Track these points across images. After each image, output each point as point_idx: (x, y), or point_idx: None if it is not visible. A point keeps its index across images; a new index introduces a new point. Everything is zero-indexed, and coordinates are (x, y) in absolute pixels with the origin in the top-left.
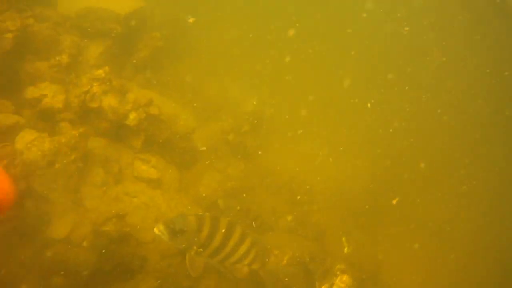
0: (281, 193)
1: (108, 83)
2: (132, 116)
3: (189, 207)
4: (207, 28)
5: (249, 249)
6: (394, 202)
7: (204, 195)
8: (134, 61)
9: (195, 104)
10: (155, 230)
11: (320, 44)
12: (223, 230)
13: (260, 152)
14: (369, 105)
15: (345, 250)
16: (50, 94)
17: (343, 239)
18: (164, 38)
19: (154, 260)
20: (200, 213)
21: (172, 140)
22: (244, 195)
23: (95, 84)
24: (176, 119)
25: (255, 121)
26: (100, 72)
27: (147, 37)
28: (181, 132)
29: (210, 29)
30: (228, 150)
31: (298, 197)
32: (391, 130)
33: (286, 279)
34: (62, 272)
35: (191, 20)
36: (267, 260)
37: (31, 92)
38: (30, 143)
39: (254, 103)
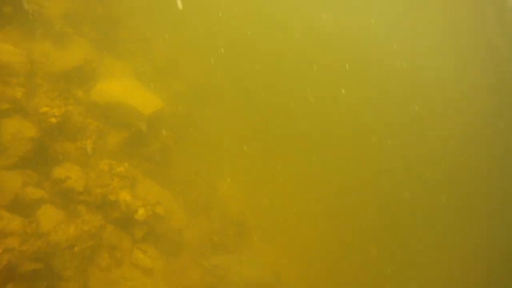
0: None
1: (126, 179)
2: (141, 212)
3: None
4: (213, 123)
5: None
6: None
7: (185, 285)
8: (144, 152)
9: (188, 197)
10: None
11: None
12: None
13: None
14: None
15: None
16: (74, 176)
17: None
18: (173, 136)
19: None
20: None
21: (166, 233)
22: None
23: (116, 179)
24: (172, 214)
25: (240, 228)
26: (121, 170)
27: (159, 134)
28: (175, 227)
29: (215, 124)
30: (212, 249)
31: None
32: None
33: None
34: None
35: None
36: None
37: (58, 172)
38: (58, 226)
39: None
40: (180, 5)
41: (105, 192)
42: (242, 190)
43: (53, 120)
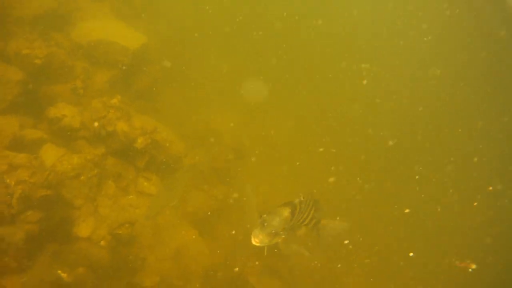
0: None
1: (120, 110)
2: (140, 140)
3: (178, 221)
4: (199, 61)
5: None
6: None
7: (191, 211)
8: (134, 89)
9: (183, 131)
10: (254, 242)
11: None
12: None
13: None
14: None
15: None
16: (69, 114)
17: None
18: (161, 70)
19: (151, 261)
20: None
21: (167, 161)
22: None
23: (111, 111)
24: (171, 143)
25: (239, 154)
26: (115, 101)
27: (147, 68)
28: (175, 155)
29: (202, 61)
30: (214, 174)
31: None
32: None
33: None
34: (85, 264)
35: None
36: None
37: (53, 112)
38: (62, 157)
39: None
40: None
41: (102, 123)
42: (236, 122)
43: (38, 61)
